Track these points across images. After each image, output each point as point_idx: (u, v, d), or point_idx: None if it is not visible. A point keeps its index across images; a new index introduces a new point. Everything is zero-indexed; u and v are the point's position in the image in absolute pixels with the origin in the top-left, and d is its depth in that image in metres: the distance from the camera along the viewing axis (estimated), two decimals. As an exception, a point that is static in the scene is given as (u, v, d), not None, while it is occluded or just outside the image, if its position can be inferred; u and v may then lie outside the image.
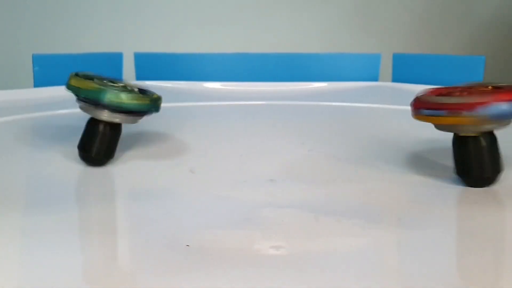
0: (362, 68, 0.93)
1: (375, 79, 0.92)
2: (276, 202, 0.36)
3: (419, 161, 0.47)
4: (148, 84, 0.89)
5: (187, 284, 0.25)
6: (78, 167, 0.42)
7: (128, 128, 0.42)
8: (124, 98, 0.40)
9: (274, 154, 0.48)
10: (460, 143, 0.35)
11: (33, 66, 0.80)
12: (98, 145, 0.41)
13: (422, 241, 0.30)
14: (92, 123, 0.41)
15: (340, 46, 1.49)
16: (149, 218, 0.33)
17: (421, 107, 0.35)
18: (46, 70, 0.81)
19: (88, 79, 0.41)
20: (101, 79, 0.42)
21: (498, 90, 0.34)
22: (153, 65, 0.92)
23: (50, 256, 0.28)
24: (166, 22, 1.45)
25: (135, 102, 0.40)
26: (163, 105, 0.44)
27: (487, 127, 0.34)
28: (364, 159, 0.47)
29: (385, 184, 0.40)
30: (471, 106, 0.32)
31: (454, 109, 0.33)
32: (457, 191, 0.36)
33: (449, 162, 0.38)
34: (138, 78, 0.90)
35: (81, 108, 0.41)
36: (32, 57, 0.81)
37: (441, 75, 0.87)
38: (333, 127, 0.61)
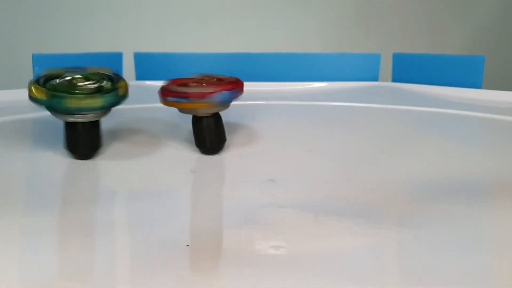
0: (362, 68, 0.93)
1: (375, 79, 0.92)
2: (276, 202, 0.36)
3: (418, 161, 0.47)
4: (148, 84, 0.89)
5: (187, 284, 0.25)
6: (78, 167, 0.42)
7: (127, 128, 0.42)
8: (87, 103, 0.40)
9: (274, 154, 0.48)
10: (197, 122, 0.45)
11: (33, 66, 0.80)
12: (83, 143, 0.42)
13: (422, 241, 0.30)
14: (70, 125, 0.42)
15: (340, 46, 1.49)
16: (149, 218, 0.33)
17: (168, 95, 0.43)
18: (46, 70, 0.81)
19: (51, 81, 0.42)
20: (64, 77, 0.44)
21: (221, 81, 0.45)
22: (153, 65, 0.92)
23: (49, 256, 0.28)
24: (166, 22, 1.45)
25: (100, 101, 0.41)
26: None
27: (215, 110, 0.44)
28: (364, 159, 0.47)
29: (385, 184, 0.40)
30: (205, 95, 0.42)
31: (193, 97, 0.42)
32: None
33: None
34: (138, 78, 0.90)
35: (53, 115, 0.42)
36: (32, 57, 0.81)
37: (441, 75, 0.87)
38: (333, 127, 0.61)
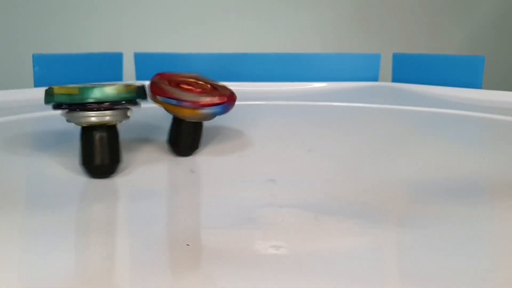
0: (362, 68, 0.93)
1: (375, 79, 0.92)
2: (276, 202, 0.36)
3: (416, 160, 0.47)
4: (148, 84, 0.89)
5: (187, 284, 0.25)
6: (77, 167, 0.42)
7: (126, 128, 0.42)
8: (110, 91, 0.37)
9: (274, 154, 0.48)
10: (177, 123, 0.44)
11: (33, 66, 0.80)
12: (100, 153, 0.39)
13: (422, 241, 0.30)
14: (85, 132, 0.39)
15: (340, 46, 1.49)
16: (149, 218, 0.33)
17: (158, 94, 0.41)
18: (46, 70, 0.81)
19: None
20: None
21: (215, 91, 0.43)
22: (153, 65, 0.92)
23: (49, 256, 0.28)
24: (166, 22, 1.45)
25: (123, 92, 0.38)
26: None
27: (201, 119, 0.43)
28: (364, 159, 0.47)
29: (385, 184, 0.40)
30: (197, 104, 0.41)
31: (185, 103, 0.41)
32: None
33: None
34: (138, 78, 0.90)
35: (68, 120, 0.39)
36: (32, 57, 0.81)
37: (441, 75, 0.87)
38: (333, 127, 0.61)
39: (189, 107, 0.41)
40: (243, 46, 1.40)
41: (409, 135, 0.57)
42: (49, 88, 0.38)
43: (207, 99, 0.41)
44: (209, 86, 0.44)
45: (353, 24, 1.51)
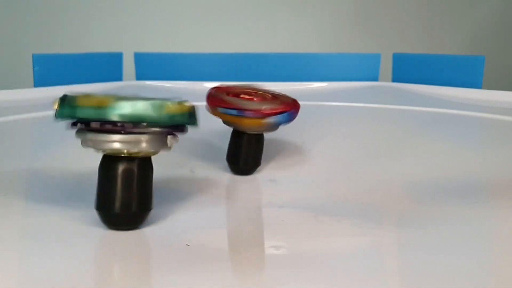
0: (362, 68, 0.93)
1: (375, 79, 0.92)
2: (276, 202, 0.36)
3: (422, 161, 0.47)
4: (148, 84, 0.89)
5: (187, 284, 0.25)
6: (77, 167, 0.42)
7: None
8: (103, 102, 0.26)
9: (274, 154, 0.48)
10: (237, 136, 0.40)
11: (33, 66, 0.80)
12: (128, 197, 0.28)
13: (422, 241, 0.30)
14: (107, 166, 0.28)
15: (340, 46, 1.49)
16: (149, 218, 0.33)
17: (218, 105, 0.38)
18: (46, 70, 0.81)
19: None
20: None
21: (276, 99, 0.39)
22: (153, 65, 0.92)
23: (49, 256, 0.28)
24: (166, 21, 1.45)
25: (125, 106, 0.26)
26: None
27: (264, 130, 0.39)
28: (364, 159, 0.47)
29: (385, 184, 0.40)
30: (259, 112, 0.37)
31: (245, 110, 0.37)
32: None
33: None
34: (138, 78, 0.90)
35: (83, 143, 0.28)
36: (32, 57, 0.81)
37: (441, 75, 0.87)
38: (333, 127, 0.61)
39: (252, 117, 0.37)
40: (243, 46, 1.40)
41: (409, 135, 0.57)
42: (68, 97, 0.28)
43: (270, 107, 0.38)
44: (269, 95, 0.41)
45: (353, 24, 1.51)
